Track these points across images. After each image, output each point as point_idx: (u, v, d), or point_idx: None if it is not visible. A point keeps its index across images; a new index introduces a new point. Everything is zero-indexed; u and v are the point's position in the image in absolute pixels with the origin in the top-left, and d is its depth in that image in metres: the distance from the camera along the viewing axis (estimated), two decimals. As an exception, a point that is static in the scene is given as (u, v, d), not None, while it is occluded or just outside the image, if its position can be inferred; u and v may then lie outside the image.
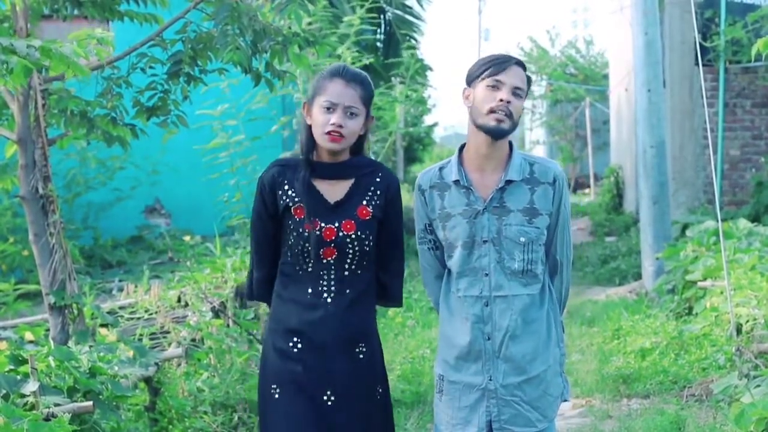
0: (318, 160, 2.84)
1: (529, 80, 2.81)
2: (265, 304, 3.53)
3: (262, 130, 8.67)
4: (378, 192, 2.87)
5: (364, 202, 2.85)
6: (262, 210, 2.88)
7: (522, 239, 2.76)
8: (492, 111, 2.70)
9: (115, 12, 4.27)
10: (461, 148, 2.87)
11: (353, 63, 8.74)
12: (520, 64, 2.78)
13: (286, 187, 2.82)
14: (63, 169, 9.46)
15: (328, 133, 2.75)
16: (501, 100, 2.70)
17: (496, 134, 2.73)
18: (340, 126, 2.75)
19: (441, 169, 2.88)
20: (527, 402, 2.78)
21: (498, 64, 2.74)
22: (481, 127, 2.74)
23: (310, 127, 2.82)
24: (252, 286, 2.99)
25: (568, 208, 2.90)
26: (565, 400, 2.93)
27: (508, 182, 2.78)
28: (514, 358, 2.78)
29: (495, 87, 2.72)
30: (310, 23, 6.94)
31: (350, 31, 8.78)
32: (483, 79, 2.74)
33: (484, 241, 2.78)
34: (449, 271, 2.88)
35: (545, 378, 2.81)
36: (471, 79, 2.79)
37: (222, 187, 8.25)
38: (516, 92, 2.72)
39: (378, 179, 2.88)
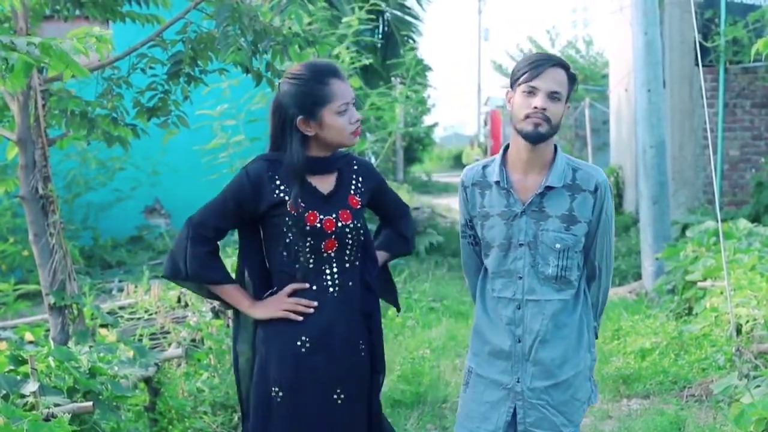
0: (310, 156, 2.82)
1: (573, 80, 2.73)
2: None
3: (261, 130, 8.67)
4: (360, 179, 2.90)
5: (352, 192, 2.86)
6: (234, 202, 2.79)
7: (558, 246, 2.74)
8: (527, 116, 2.67)
9: (117, 13, 4.26)
10: (506, 149, 2.85)
11: (352, 63, 8.74)
12: (560, 64, 2.71)
13: (278, 182, 2.78)
14: (63, 170, 9.47)
15: (354, 131, 2.79)
16: (535, 108, 2.66)
17: (533, 138, 2.70)
18: (359, 120, 2.80)
19: (485, 167, 2.87)
20: (553, 406, 2.78)
21: (534, 68, 2.68)
22: (519, 132, 2.72)
23: (305, 136, 2.77)
24: (186, 263, 2.75)
25: (611, 216, 2.85)
26: (593, 404, 2.94)
27: (548, 188, 2.75)
28: (543, 362, 2.77)
29: (530, 93, 2.67)
30: (309, 23, 6.95)
31: (348, 31, 8.78)
32: (520, 84, 2.70)
33: (520, 245, 2.77)
34: (485, 269, 2.89)
35: (573, 383, 2.81)
36: (511, 82, 2.75)
37: (221, 188, 8.23)
38: (553, 96, 2.66)
39: (355, 167, 2.91)
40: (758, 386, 3.97)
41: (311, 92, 2.74)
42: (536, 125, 2.67)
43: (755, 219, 9.12)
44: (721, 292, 5.58)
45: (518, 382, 2.78)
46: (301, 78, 2.76)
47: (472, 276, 3.00)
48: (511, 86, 2.76)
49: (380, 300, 3.00)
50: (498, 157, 2.84)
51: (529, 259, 2.76)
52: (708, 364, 5.61)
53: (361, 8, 9.30)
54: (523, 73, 2.69)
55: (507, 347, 2.79)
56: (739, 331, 4.88)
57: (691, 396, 5.27)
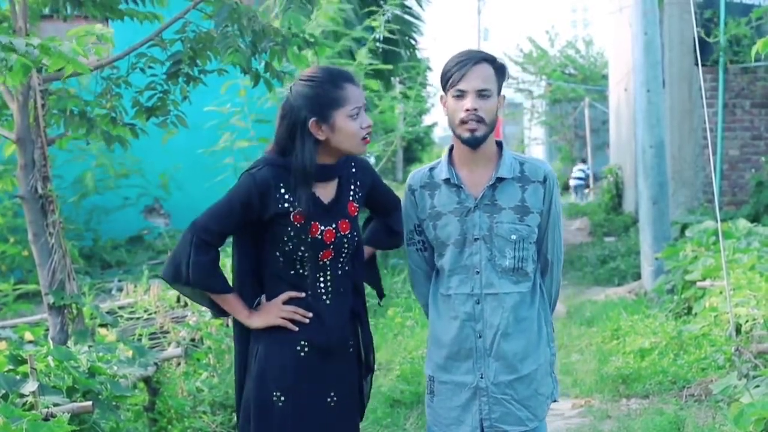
0: (318, 163, 2.77)
1: (501, 71, 2.75)
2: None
3: (268, 130, 8.67)
4: (358, 183, 2.86)
5: (350, 198, 2.83)
6: (240, 208, 2.72)
7: (513, 237, 2.77)
8: (462, 122, 2.71)
9: (116, 11, 4.26)
10: (451, 149, 2.87)
11: (369, 65, 8.69)
12: (484, 59, 2.73)
13: (283, 191, 2.71)
14: (65, 171, 9.46)
15: (365, 137, 2.73)
16: (467, 110, 2.69)
17: (472, 144, 2.74)
18: (370, 125, 2.75)
19: (431, 169, 2.89)
20: (518, 401, 2.79)
21: (458, 70, 2.71)
22: (458, 138, 2.76)
23: (316, 141, 2.70)
24: (188, 269, 2.70)
25: (559, 208, 2.90)
26: (555, 400, 2.94)
27: (500, 179, 2.78)
28: (506, 356, 2.78)
29: (460, 96, 2.71)
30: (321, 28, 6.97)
31: (366, 34, 8.73)
32: (448, 89, 2.74)
33: (476, 239, 2.78)
34: (437, 271, 2.89)
35: (536, 377, 2.82)
36: (442, 87, 2.78)
37: (223, 186, 8.24)
38: (482, 94, 2.70)
39: (353, 170, 2.86)
40: (757, 386, 3.96)
41: (325, 94, 2.67)
42: (472, 131, 2.71)
43: (755, 219, 9.13)
44: (721, 292, 5.58)
45: (482, 378, 2.79)
46: (316, 80, 2.70)
47: (422, 284, 2.98)
48: (444, 91, 2.78)
49: (366, 288, 3.00)
50: (444, 157, 2.87)
51: (486, 253, 2.77)
52: (707, 363, 5.62)
53: (361, 7, 9.29)
54: (449, 77, 2.72)
55: (467, 344, 2.79)
56: (738, 331, 4.88)
57: (691, 396, 5.28)
